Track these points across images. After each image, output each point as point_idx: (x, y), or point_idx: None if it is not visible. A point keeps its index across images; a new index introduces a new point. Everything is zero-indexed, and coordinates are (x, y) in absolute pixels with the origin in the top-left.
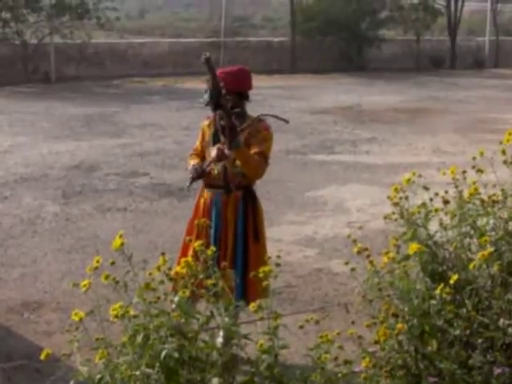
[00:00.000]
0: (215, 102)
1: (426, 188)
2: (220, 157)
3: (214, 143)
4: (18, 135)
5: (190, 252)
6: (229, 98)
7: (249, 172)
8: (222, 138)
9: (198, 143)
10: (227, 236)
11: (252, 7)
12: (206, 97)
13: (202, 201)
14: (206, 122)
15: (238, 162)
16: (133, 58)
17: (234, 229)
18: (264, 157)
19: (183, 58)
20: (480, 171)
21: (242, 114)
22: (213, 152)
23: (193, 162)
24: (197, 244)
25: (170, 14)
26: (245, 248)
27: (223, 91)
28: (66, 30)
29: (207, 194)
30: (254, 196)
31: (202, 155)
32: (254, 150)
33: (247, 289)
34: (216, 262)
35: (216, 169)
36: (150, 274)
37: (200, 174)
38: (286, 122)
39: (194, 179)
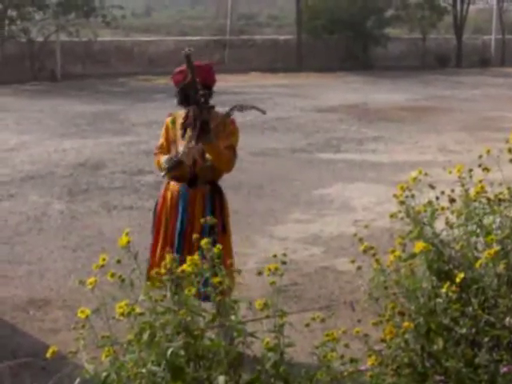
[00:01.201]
0: (192, 99)
1: (432, 186)
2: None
3: (183, 137)
4: (24, 133)
5: (160, 244)
6: (204, 93)
7: (220, 165)
8: (188, 133)
9: (162, 140)
10: (193, 229)
11: (258, 5)
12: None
13: (168, 194)
14: (169, 118)
15: (208, 156)
16: (138, 56)
17: (200, 222)
18: (233, 150)
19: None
20: (486, 169)
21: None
22: (182, 148)
23: (163, 156)
24: (203, 242)
25: (176, 12)
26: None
27: (199, 87)
28: (72, 28)
29: (174, 187)
30: (220, 190)
31: (167, 152)
32: (223, 144)
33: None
34: (180, 254)
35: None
36: (157, 271)
37: (175, 164)
38: (263, 112)
39: (169, 169)
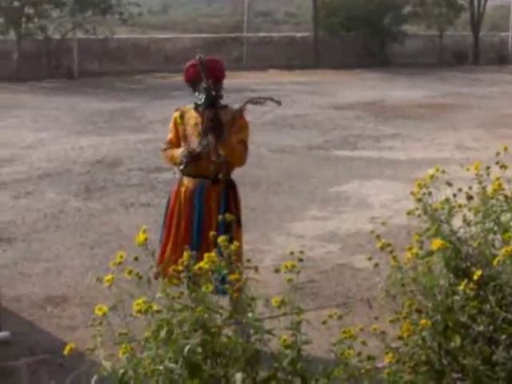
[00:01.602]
0: (210, 102)
1: (449, 184)
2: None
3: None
4: (41, 130)
5: (171, 241)
6: (218, 94)
7: (233, 161)
8: (201, 130)
9: (171, 135)
10: (211, 225)
11: (275, 2)
12: (201, 96)
13: (182, 190)
14: (177, 113)
15: (222, 152)
16: (155, 53)
17: (217, 216)
18: (245, 144)
19: (205, 54)
20: (504, 167)
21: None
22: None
23: (176, 152)
24: (221, 239)
25: (193, 9)
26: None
27: (212, 88)
28: (89, 26)
29: (189, 182)
30: (233, 184)
31: (176, 147)
32: (235, 138)
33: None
34: (197, 250)
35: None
36: (174, 269)
37: (194, 157)
38: (279, 103)
39: (188, 163)
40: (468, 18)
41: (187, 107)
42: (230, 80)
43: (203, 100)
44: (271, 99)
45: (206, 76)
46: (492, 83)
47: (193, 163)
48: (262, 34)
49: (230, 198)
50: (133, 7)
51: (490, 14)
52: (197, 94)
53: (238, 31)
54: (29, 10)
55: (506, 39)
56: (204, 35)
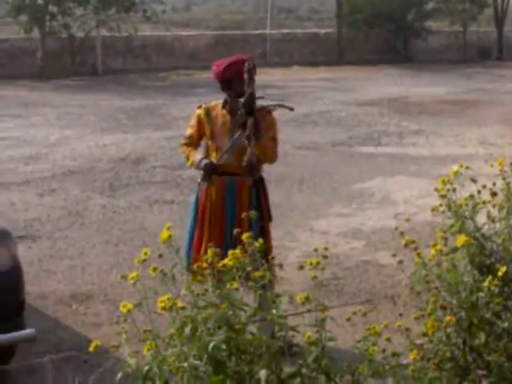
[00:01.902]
0: (246, 106)
1: (473, 180)
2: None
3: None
4: (66, 128)
5: (205, 239)
6: (257, 98)
7: (266, 159)
8: (236, 131)
9: (192, 131)
10: (244, 220)
11: None
12: (242, 101)
13: (213, 188)
14: (202, 111)
15: (256, 152)
16: (179, 50)
17: (248, 211)
18: (276, 142)
19: (229, 51)
20: None
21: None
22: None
23: (194, 155)
24: (245, 236)
25: (216, 6)
26: (260, 230)
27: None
28: (113, 23)
29: (219, 181)
30: (262, 179)
31: (197, 143)
32: (266, 136)
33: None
34: (232, 247)
35: (228, 157)
36: (198, 266)
37: (214, 169)
38: (291, 109)
39: (208, 175)
40: (492, 14)
41: (212, 104)
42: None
43: (244, 106)
44: (284, 106)
45: (251, 84)
46: None
47: (212, 175)
48: (285, 31)
49: (260, 193)
50: (156, 5)
51: None
52: (228, 93)
53: (261, 28)
54: (53, 8)
55: None
56: (227, 32)
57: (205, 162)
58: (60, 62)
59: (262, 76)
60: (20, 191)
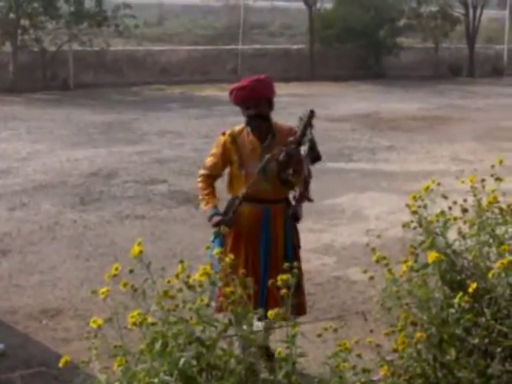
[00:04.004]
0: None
1: (444, 196)
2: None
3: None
4: (37, 142)
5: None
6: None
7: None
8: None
9: (216, 160)
10: (277, 249)
11: (270, 14)
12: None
13: (243, 218)
14: (227, 138)
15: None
16: (151, 65)
17: (283, 240)
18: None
19: (201, 66)
20: (499, 179)
21: (270, 122)
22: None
23: (209, 202)
24: (215, 252)
25: (189, 21)
26: (294, 259)
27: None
28: (85, 38)
29: (253, 209)
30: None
31: (220, 174)
32: None
33: (298, 301)
34: (264, 274)
35: (262, 185)
36: (169, 281)
37: (230, 226)
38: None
39: (216, 235)
40: (463, 31)
41: (237, 130)
42: (226, 92)
43: (307, 154)
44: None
45: (309, 130)
46: (487, 96)
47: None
48: (257, 46)
49: (291, 221)
50: (128, 19)
51: (485, 26)
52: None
53: (233, 43)
54: (24, 22)
55: (501, 52)
56: (200, 47)
57: (216, 219)
58: (32, 75)
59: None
60: None
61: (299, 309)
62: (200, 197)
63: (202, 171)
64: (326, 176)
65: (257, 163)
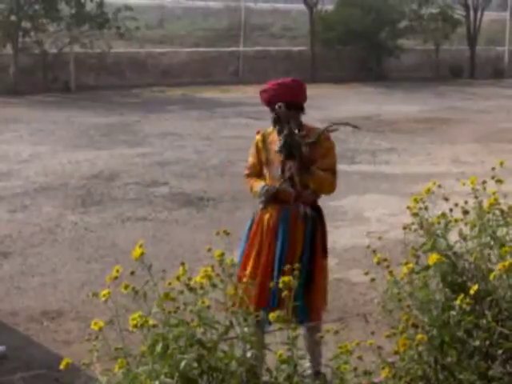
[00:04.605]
0: (289, 153)
1: (445, 198)
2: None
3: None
4: (38, 144)
5: (250, 268)
6: (299, 139)
7: (321, 192)
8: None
9: (253, 160)
10: (295, 253)
11: (271, 16)
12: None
13: (265, 217)
14: (259, 137)
15: (311, 185)
16: (152, 67)
17: (301, 245)
18: (333, 172)
19: (202, 68)
20: (500, 181)
21: (300, 127)
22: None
23: (257, 185)
24: (216, 254)
25: (189, 23)
26: (310, 264)
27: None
28: (86, 40)
29: (273, 209)
30: (320, 210)
31: (260, 172)
32: (321, 166)
33: (310, 306)
34: (278, 275)
35: (286, 185)
36: (170, 283)
37: (273, 195)
38: (358, 128)
39: (268, 201)
40: (464, 33)
41: (270, 130)
42: (227, 94)
43: (281, 150)
44: (349, 124)
45: (285, 126)
46: (488, 97)
47: (272, 200)
48: (258, 48)
49: (316, 226)
50: (130, 21)
51: (486, 28)
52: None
53: (234, 45)
54: (26, 24)
55: (502, 53)
56: (201, 49)
57: (266, 187)
58: (33, 78)
59: (235, 93)
60: None
61: (311, 314)
62: (249, 188)
63: (245, 171)
64: None
65: (280, 165)
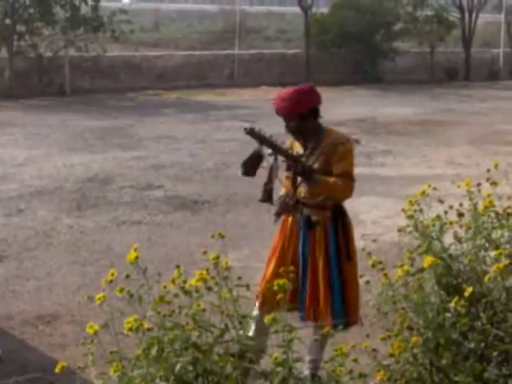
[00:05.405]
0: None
1: (440, 201)
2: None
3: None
4: (33, 148)
5: (270, 270)
6: (291, 152)
7: (334, 197)
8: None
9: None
10: (316, 257)
11: (266, 19)
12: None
13: (289, 219)
14: (291, 139)
15: (321, 193)
16: (147, 70)
17: (325, 250)
18: (348, 176)
19: (197, 71)
20: (495, 183)
21: (316, 132)
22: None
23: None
24: (211, 257)
25: (185, 26)
26: (339, 269)
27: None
28: (81, 43)
29: (296, 214)
30: (343, 212)
31: None
32: (336, 172)
33: (348, 310)
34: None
35: (303, 192)
36: (165, 287)
37: (291, 208)
38: (358, 142)
39: (280, 214)
40: (459, 35)
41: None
42: (222, 97)
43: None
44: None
45: (268, 143)
46: (483, 99)
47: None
48: (253, 51)
49: (338, 228)
50: (124, 25)
51: (481, 30)
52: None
53: (229, 48)
54: (20, 28)
55: (497, 55)
56: (196, 52)
57: (281, 196)
58: (28, 81)
59: (231, 96)
60: None
61: (348, 316)
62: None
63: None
64: None
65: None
